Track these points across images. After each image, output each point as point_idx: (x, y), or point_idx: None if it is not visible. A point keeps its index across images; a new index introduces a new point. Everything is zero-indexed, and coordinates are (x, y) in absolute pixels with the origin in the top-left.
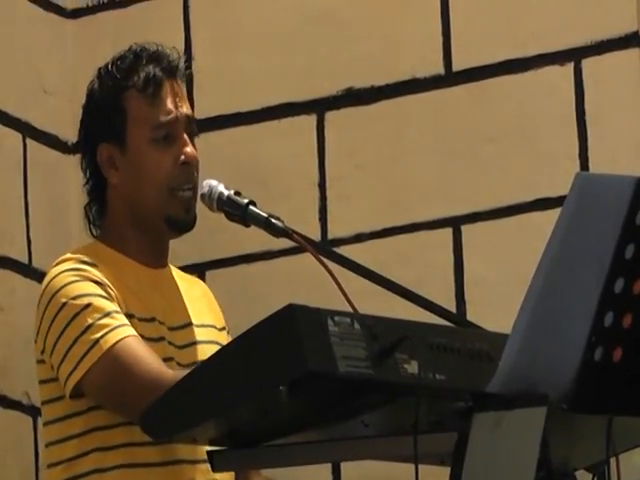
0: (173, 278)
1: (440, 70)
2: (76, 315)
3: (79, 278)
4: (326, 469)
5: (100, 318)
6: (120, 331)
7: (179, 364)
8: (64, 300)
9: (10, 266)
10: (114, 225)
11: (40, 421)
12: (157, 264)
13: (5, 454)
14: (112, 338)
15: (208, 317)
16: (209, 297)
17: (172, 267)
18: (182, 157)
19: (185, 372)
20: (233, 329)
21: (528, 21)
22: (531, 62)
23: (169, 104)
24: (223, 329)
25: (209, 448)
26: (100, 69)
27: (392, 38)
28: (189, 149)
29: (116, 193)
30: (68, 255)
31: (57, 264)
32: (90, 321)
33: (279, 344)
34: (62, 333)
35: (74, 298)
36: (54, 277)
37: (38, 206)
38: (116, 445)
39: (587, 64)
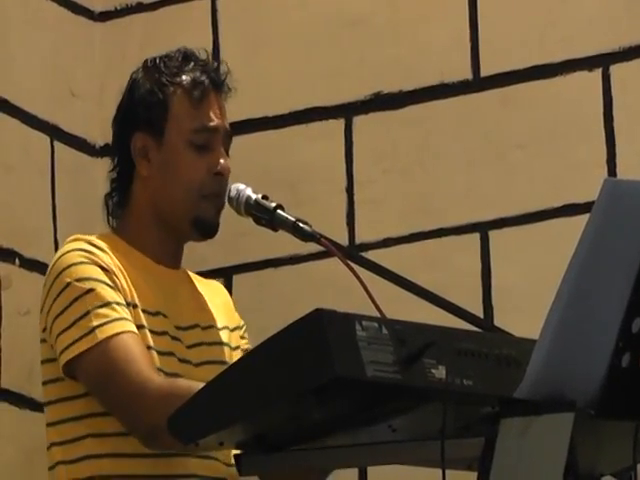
0: (185, 280)
1: (468, 75)
2: (77, 299)
3: (86, 260)
4: (353, 473)
5: (100, 307)
6: (118, 324)
7: (181, 360)
8: (68, 280)
9: (37, 269)
10: (134, 218)
11: None
12: (170, 264)
13: (32, 457)
14: (108, 330)
15: (222, 318)
16: (222, 297)
17: (188, 271)
18: (218, 167)
19: (171, 380)
20: (260, 333)
21: (556, 27)
22: (559, 68)
23: (213, 112)
24: (236, 329)
25: (236, 452)
26: (147, 60)
27: (420, 43)
28: (225, 161)
29: (143, 186)
30: (80, 235)
31: (67, 242)
32: (89, 307)
33: (306, 348)
34: (61, 314)
35: (78, 280)
36: (62, 255)
37: (65, 209)
38: (108, 433)
39: (615, 70)
